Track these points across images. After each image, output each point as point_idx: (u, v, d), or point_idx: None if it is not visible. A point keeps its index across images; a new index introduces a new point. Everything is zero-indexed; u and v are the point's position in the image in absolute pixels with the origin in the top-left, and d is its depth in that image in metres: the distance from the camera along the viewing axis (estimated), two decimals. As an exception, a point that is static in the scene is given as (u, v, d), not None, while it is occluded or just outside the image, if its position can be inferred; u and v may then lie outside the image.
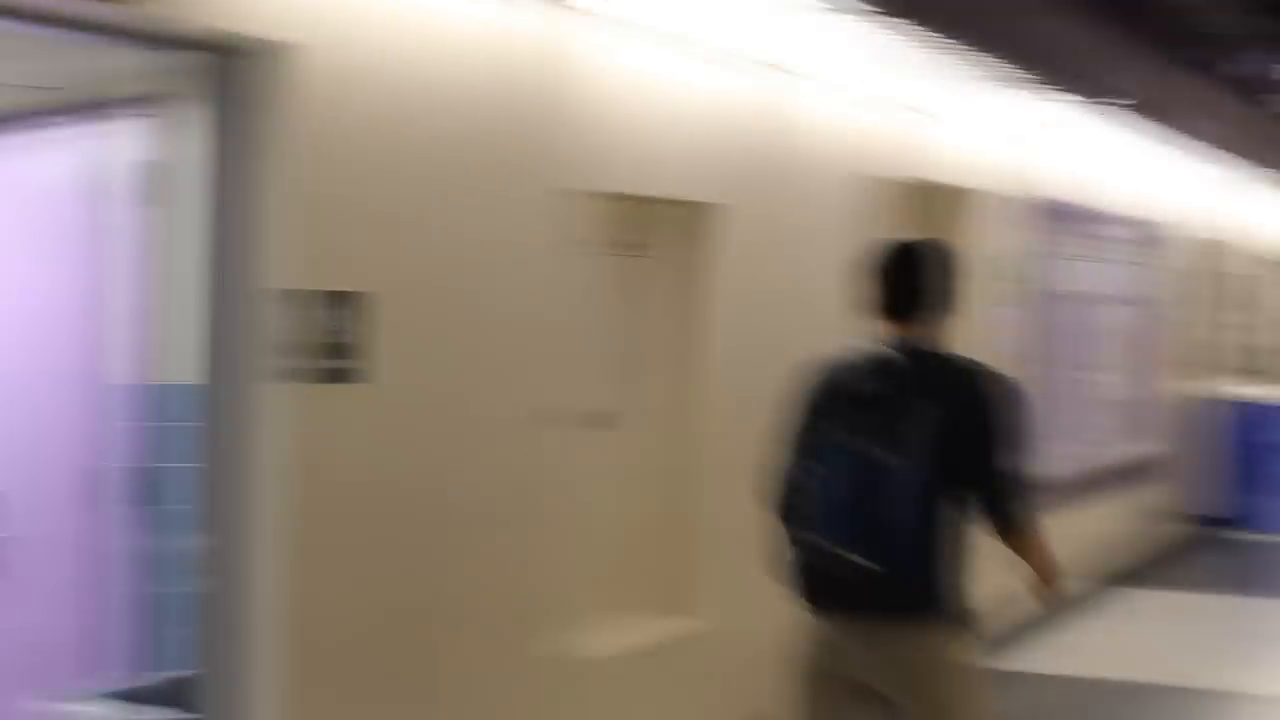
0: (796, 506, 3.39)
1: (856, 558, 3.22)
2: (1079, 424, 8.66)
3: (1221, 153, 8.27)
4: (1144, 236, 9.62)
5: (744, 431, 5.35)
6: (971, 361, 3.47)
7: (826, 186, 5.88)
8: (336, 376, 3.66)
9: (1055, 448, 8.22)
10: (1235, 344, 12.23)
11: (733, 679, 5.33)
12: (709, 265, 5.24)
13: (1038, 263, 7.91)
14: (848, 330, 5.96)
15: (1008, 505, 3.33)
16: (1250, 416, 11.95)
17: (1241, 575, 10.70)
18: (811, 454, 3.38)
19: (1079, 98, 6.23)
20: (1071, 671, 7.43)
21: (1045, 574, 3.44)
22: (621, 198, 4.79)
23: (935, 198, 7.10)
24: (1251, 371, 12.67)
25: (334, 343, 3.65)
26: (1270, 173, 10.41)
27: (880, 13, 4.66)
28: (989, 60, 5.46)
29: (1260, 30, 8.22)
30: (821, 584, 3.34)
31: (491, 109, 4.15)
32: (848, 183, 6.05)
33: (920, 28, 4.84)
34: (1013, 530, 3.35)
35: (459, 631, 4.06)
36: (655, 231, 5.15)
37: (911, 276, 3.47)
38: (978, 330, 7.24)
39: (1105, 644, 8.06)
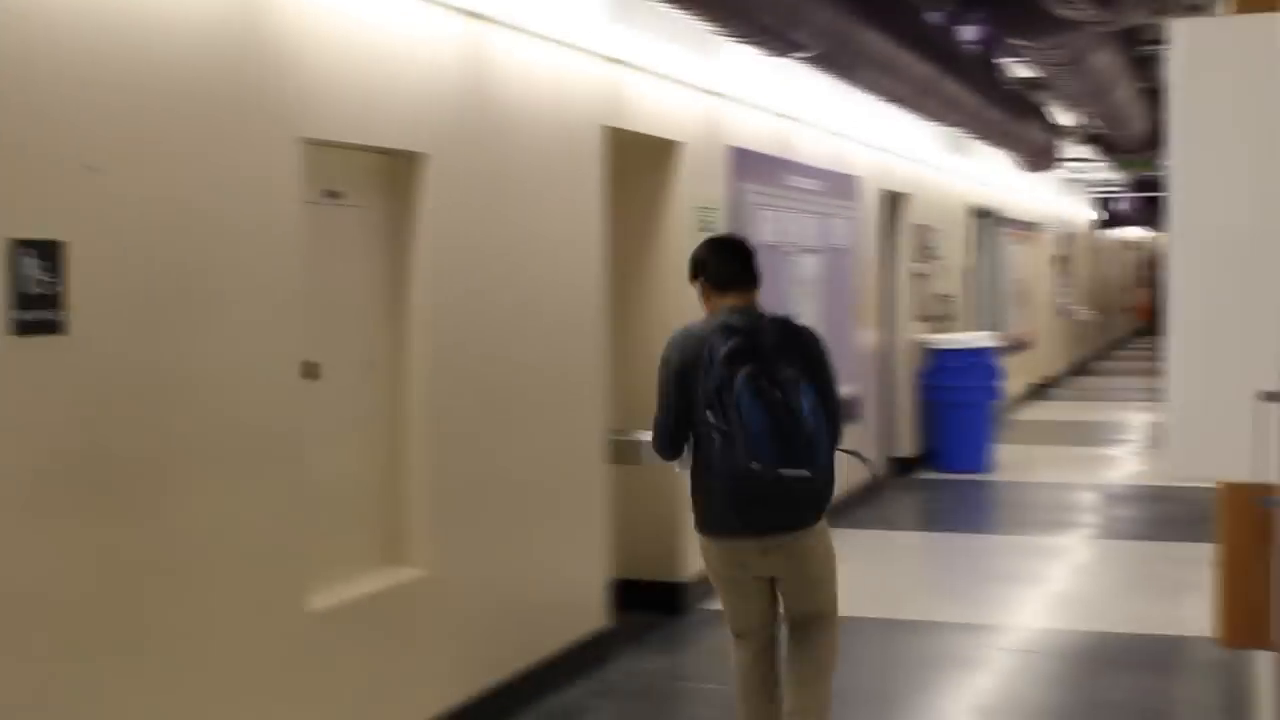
0: (707, 453, 4.32)
1: (794, 471, 4.18)
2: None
3: (905, 109, 8.62)
4: (837, 188, 9.98)
5: (458, 381, 5.35)
6: (794, 320, 4.57)
7: (534, 137, 5.89)
8: (31, 328, 3.48)
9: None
10: (922, 293, 12.83)
11: (454, 626, 5.33)
12: (415, 215, 5.18)
13: (738, 213, 8.11)
14: (561, 280, 6.10)
15: (840, 420, 4.45)
16: (935, 362, 12.61)
17: (933, 513, 11.30)
18: (711, 406, 4.23)
19: (765, 50, 6.38)
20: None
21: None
22: (325, 145, 4.69)
23: (640, 149, 7.20)
24: (936, 318, 13.34)
25: (28, 293, 3.46)
26: (952, 130, 10.93)
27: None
28: (678, 12, 5.54)
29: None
30: (743, 508, 4.30)
31: (191, 51, 4.00)
32: (555, 133, 6.08)
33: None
34: (840, 436, 4.48)
35: (175, 588, 3.94)
36: (360, 180, 5.06)
37: (750, 259, 4.63)
38: (682, 280, 7.41)
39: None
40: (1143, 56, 10.28)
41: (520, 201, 5.81)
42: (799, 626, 4.62)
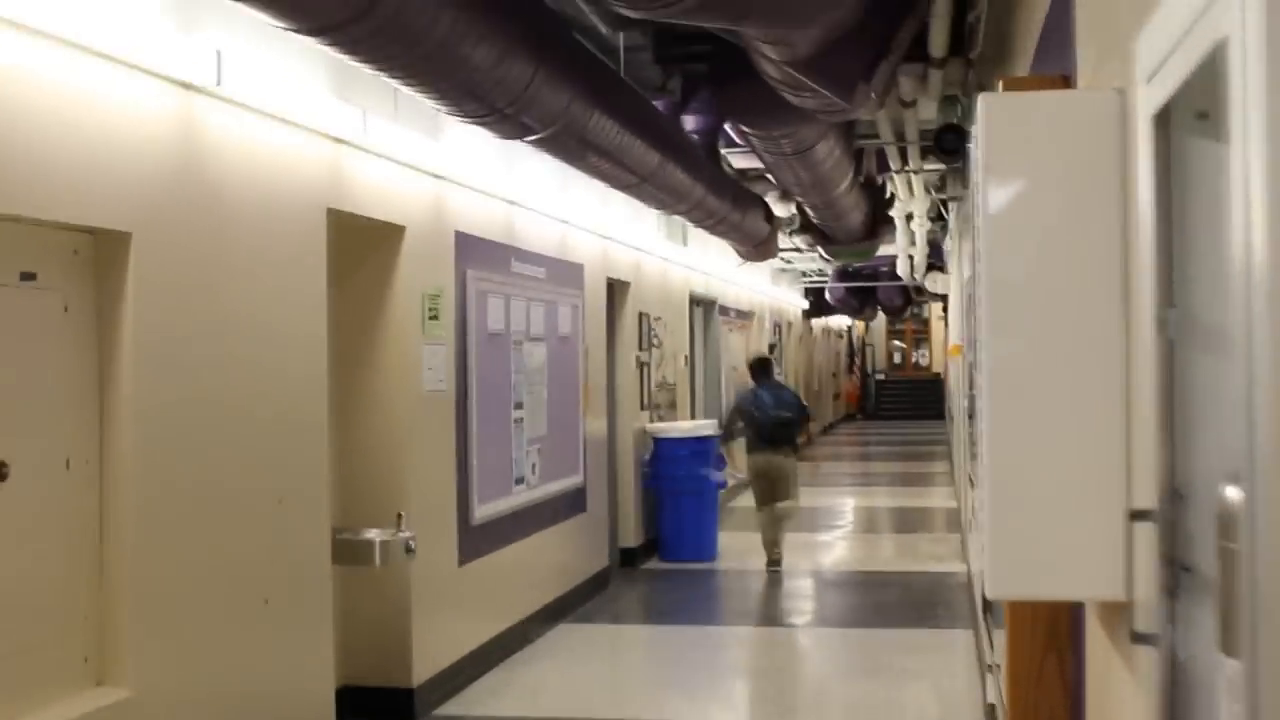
0: (744, 433, 12.36)
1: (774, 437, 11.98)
2: (511, 462, 8.69)
3: (632, 195, 8.56)
4: (562, 275, 9.85)
5: (169, 479, 4.90)
6: (785, 384, 13.95)
7: (253, 218, 5.53)
8: None
9: (489, 487, 8.21)
10: (644, 381, 12.81)
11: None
12: (120, 298, 4.75)
13: (465, 300, 7.86)
14: (282, 369, 5.71)
15: (801, 422, 12.35)
16: (659, 450, 12.57)
17: (660, 605, 11.18)
18: (744, 418, 12.30)
19: (495, 133, 6.20)
20: (520, 712, 7.43)
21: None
22: (17, 221, 4.25)
23: (365, 233, 6.91)
24: (658, 406, 13.33)
25: None
26: (675, 218, 10.95)
27: (293, 29, 4.39)
28: (407, 90, 5.30)
29: (671, 82, 8.64)
30: (758, 445, 12.06)
31: None
32: (276, 214, 5.73)
33: (333, 47, 4.60)
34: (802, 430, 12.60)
35: None
36: (59, 261, 4.60)
37: (768, 363, 12.83)
38: (409, 369, 7.11)
39: (549, 682, 8.13)
40: (859, 150, 10.54)
41: (238, 285, 5.43)
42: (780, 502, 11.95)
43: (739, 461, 14.71)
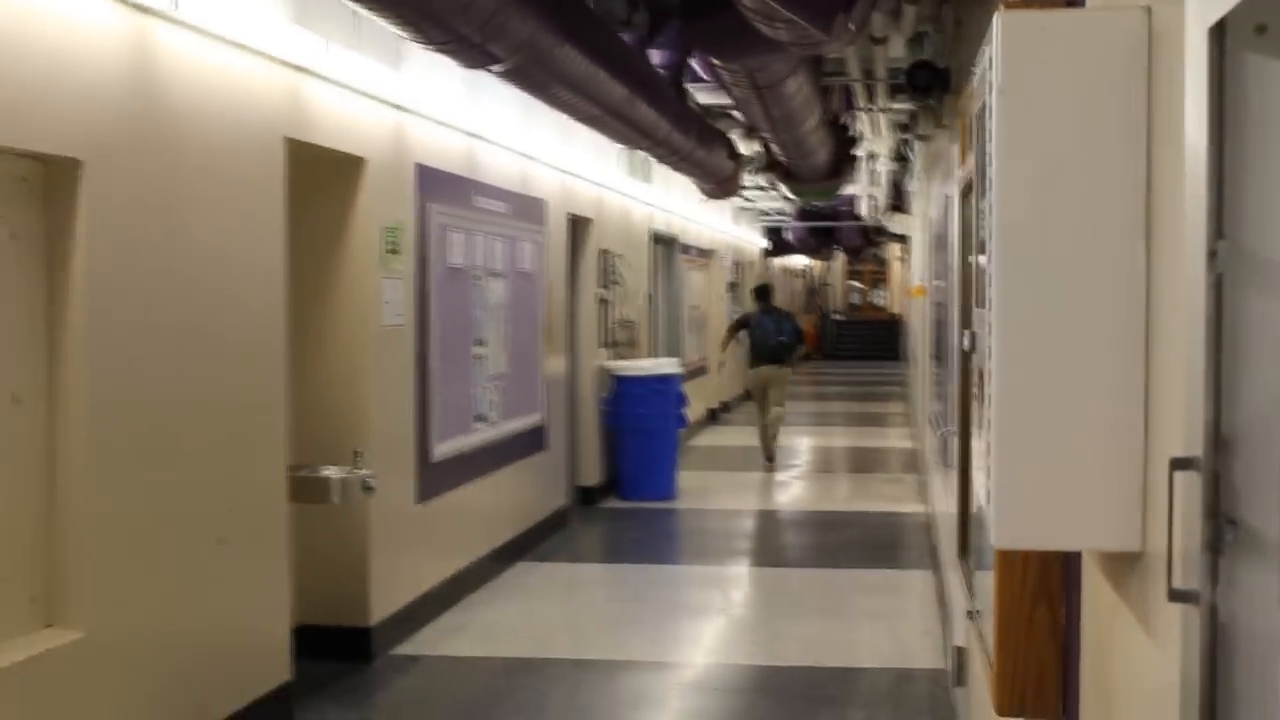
0: (751, 346, 15.50)
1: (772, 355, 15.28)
2: (471, 399, 8.56)
3: (597, 129, 8.40)
4: (524, 211, 9.69)
5: (122, 414, 4.76)
6: (785, 313, 16.15)
7: (210, 146, 5.35)
8: None
9: (448, 424, 8.09)
10: (605, 319, 12.69)
11: (118, 695, 4.73)
12: (70, 228, 4.57)
13: (426, 235, 7.71)
14: (240, 302, 5.54)
15: (796, 343, 15.55)
16: (620, 389, 12.48)
17: (619, 544, 11.12)
18: (749, 333, 15.56)
19: (461, 61, 6.03)
20: (477, 652, 7.35)
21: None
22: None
23: (325, 164, 6.73)
24: (619, 345, 13.23)
25: None
26: (639, 154, 10.80)
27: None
28: (369, 14, 5.13)
29: (637, 15, 8.46)
30: (759, 360, 15.29)
31: None
32: (234, 143, 5.54)
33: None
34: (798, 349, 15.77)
35: None
36: (5, 190, 4.41)
37: (769, 290, 16.40)
38: (368, 303, 6.96)
39: (507, 621, 8.06)
40: (825, 88, 10.39)
41: (194, 216, 5.26)
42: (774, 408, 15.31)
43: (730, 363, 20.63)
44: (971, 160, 3.80)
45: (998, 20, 1.75)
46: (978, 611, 3.35)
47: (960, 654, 5.38)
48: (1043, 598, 2.49)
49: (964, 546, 3.97)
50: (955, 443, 4.37)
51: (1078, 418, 1.72)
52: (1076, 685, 2.40)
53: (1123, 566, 1.83)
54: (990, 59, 1.79)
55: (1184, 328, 1.38)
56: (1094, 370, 1.70)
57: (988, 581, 3.25)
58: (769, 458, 15.38)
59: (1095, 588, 2.13)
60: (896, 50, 9.01)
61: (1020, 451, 1.75)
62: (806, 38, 5.41)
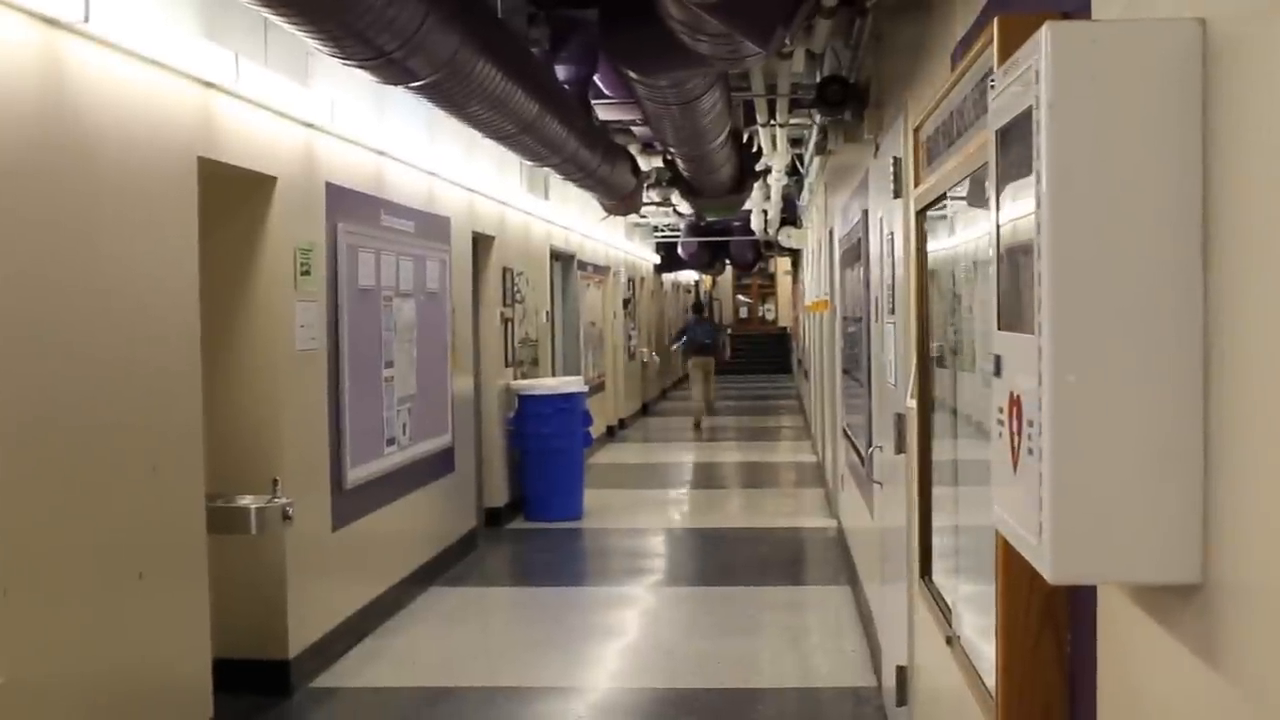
0: (688, 344, 23.81)
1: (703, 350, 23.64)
2: (382, 422, 8.39)
3: (508, 146, 8.28)
4: (430, 229, 9.54)
5: (28, 445, 4.53)
6: (712, 322, 27.07)
7: (120, 164, 5.14)
8: None
9: (361, 449, 7.91)
10: (509, 337, 12.55)
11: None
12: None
13: (336, 255, 7.53)
14: (151, 327, 5.33)
15: (721, 343, 25.28)
16: (525, 408, 12.34)
17: (527, 566, 10.98)
18: (688, 338, 23.96)
19: (379, 77, 5.88)
20: (395, 682, 7.18)
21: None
22: None
23: (235, 183, 6.54)
24: (522, 363, 13.09)
25: None
26: (543, 170, 10.69)
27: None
28: (295, 26, 4.97)
29: (537, 30, 8.35)
30: (695, 353, 23.39)
31: None
32: (144, 161, 5.34)
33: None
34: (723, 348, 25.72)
35: None
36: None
37: (702, 306, 27.14)
38: (282, 327, 6.77)
39: (422, 648, 7.89)
40: (730, 103, 10.36)
41: (105, 237, 5.05)
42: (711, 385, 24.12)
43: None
44: (932, 179, 3.77)
45: (1045, 32, 1.69)
46: (957, 636, 3.29)
47: (901, 673, 5.33)
48: (1049, 625, 2.44)
49: (926, 567, 3.92)
50: (911, 460, 4.32)
51: (1134, 445, 1.66)
52: (1084, 716, 2.35)
53: (1169, 598, 1.78)
54: (1030, 72, 1.73)
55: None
56: (1148, 395, 1.65)
57: (973, 605, 3.20)
58: (710, 412, 23.06)
59: (1115, 612, 2.07)
60: (798, 65, 9.00)
61: (1079, 482, 1.69)
62: (736, 52, 5.35)
